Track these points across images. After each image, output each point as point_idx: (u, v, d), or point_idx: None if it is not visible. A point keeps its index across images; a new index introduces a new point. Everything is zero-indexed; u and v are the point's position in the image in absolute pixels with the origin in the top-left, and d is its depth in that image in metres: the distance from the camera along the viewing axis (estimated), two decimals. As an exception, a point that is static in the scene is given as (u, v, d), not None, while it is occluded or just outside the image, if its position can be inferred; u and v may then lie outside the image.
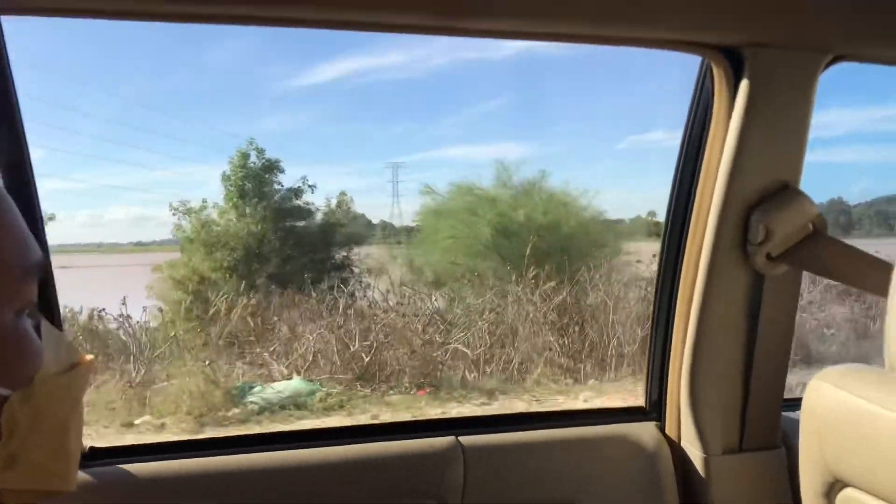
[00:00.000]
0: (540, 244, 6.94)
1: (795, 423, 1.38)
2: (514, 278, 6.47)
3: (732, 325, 1.26)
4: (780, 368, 1.31)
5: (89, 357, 0.53)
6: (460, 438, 1.30)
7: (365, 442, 1.27)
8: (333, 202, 9.46)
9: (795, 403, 1.37)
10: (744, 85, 1.14)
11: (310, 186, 9.08)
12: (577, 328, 6.06)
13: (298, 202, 9.10)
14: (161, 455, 1.21)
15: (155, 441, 1.24)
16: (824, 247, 1.20)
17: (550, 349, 5.84)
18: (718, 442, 1.31)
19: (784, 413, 1.36)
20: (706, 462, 1.31)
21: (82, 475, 1.14)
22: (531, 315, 6.07)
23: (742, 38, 1.11)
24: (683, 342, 1.31)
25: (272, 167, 8.93)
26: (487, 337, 5.92)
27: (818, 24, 1.11)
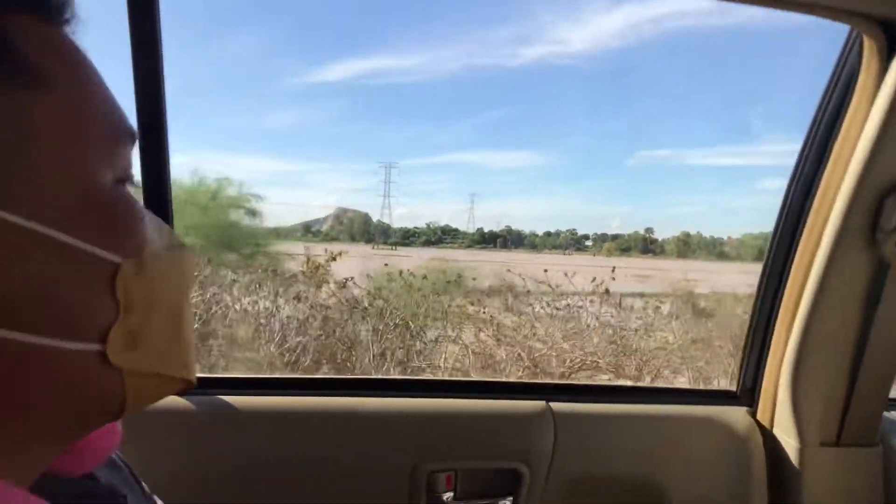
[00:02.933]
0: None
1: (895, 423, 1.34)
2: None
3: (848, 314, 1.22)
4: (891, 365, 1.26)
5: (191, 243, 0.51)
6: (551, 404, 1.28)
7: (457, 398, 1.26)
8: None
9: None
10: (895, 63, 1.10)
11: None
12: None
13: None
14: (252, 390, 1.20)
15: (248, 376, 1.23)
16: None
17: None
18: (815, 433, 1.27)
19: (885, 413, 1.32)
20: (801, 452, 1.27)
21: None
22: None
23: None
24: (789, 328, 1.27)
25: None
26: None
27: None
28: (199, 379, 1.16)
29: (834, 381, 1.26)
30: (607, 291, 5.07)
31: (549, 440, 1.25)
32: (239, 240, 7.00)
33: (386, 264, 5.99)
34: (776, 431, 1.33)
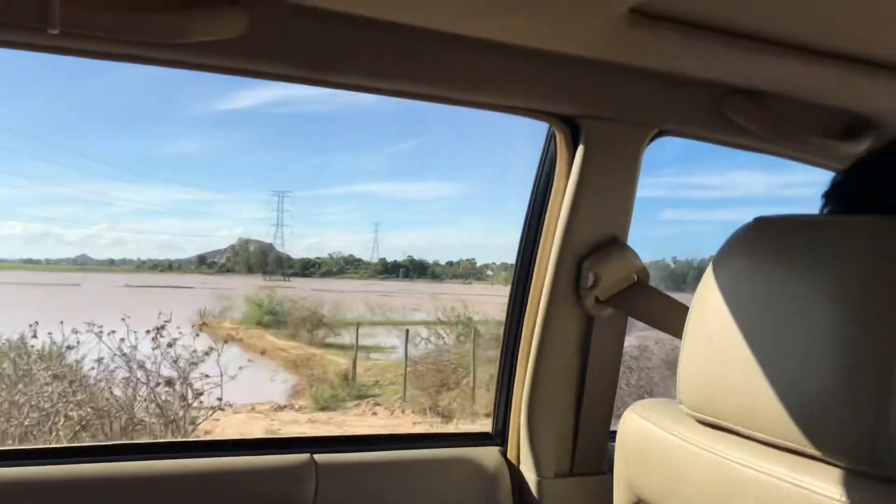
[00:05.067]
0: None
1: None
2: None
3: (566, 360, 1.41)
4: (607, 401, 1.46)
5: None
6: (315, 456, 1.38)
7: (219, 456, 1.33)
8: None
9: None
10: (580, 150, 1.31)
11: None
12: None
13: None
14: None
15: None
16: (644, 294, 1.37)
17: None
18: (551, 466, 1.45)
19: (613, 443, 1.51)
20: (539, 484, 1.44)
21: None
22: None
23: (578, 109, 1.28)
24: (525, 375, 1.45)
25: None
26: None
27: (642, 102, 1.29)
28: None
29: (562, 418, 1.44)
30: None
31: (311, 491, 1.34)
32: None
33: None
34: (521, 467, 1.50)
